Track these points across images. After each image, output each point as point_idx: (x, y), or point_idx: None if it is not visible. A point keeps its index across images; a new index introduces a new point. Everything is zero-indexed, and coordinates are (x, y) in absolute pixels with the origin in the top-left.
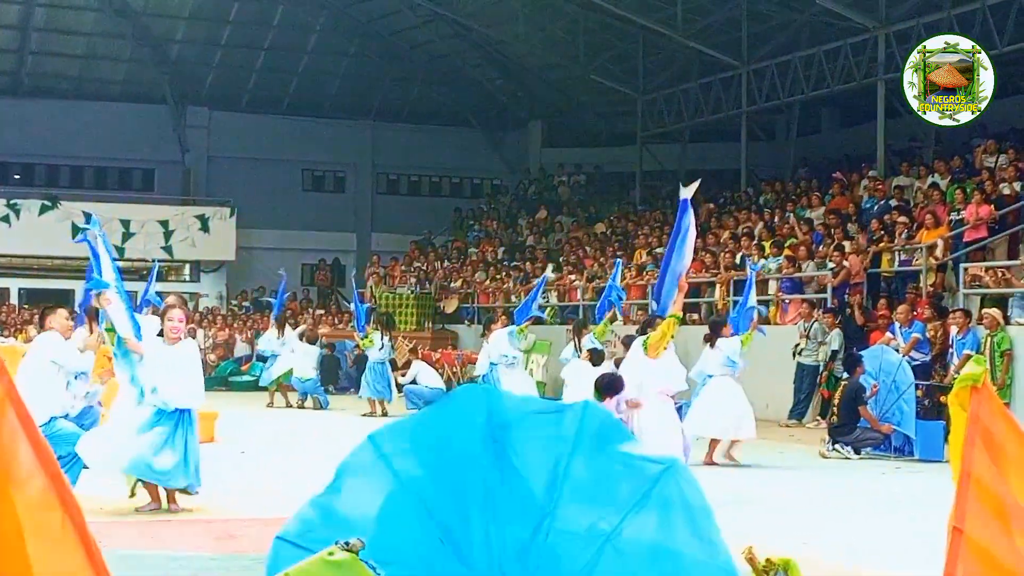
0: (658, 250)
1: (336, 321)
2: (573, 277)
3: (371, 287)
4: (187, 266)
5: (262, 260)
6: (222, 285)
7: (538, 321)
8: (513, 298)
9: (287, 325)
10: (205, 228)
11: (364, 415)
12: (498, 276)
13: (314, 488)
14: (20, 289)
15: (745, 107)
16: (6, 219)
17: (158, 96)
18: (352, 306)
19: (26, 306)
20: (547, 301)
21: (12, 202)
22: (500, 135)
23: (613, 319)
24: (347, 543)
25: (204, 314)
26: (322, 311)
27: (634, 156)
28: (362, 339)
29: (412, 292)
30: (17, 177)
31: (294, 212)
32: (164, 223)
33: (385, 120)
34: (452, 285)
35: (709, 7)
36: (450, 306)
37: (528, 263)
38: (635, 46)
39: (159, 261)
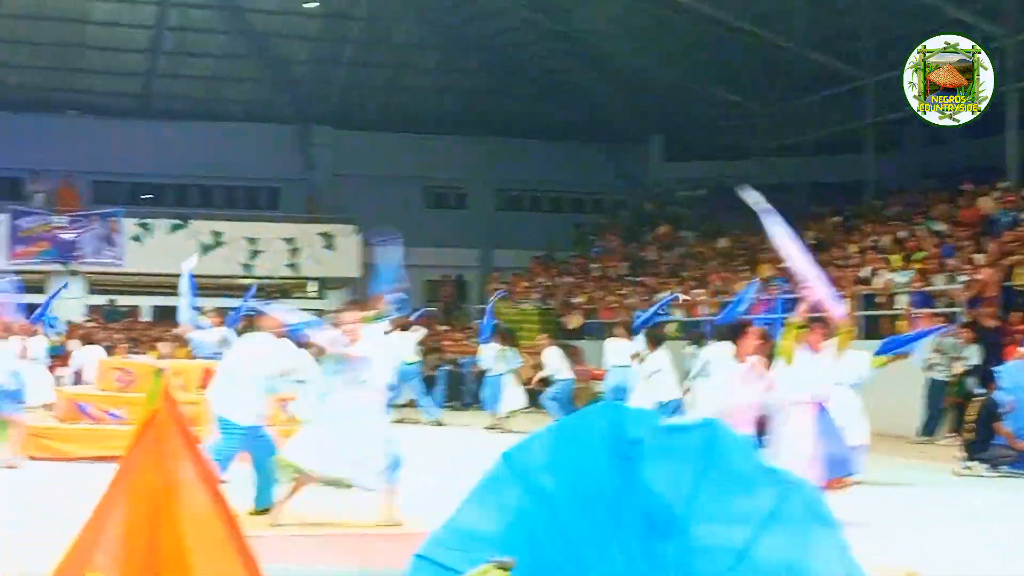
0: (783, 265)
1: (460, 337)
2: (697, 292)
3: (494, 303)
4: (313, 283)
5: None
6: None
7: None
8: (635, 313)
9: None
10: (330, 246)
11: (488, 427)
12: (620, 291)
13: (444, 503)
14: (151, 307)
15: (870, 118)
16: (137, 238)
17: (283, 116)
18: (482, 320)
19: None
20: (670, 316)
21: (143, 221)
22: (620, 150)
23: None
24: (500, 562)
25: None
26: (446, 327)
27: (755, 169)
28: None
29: (535, 308)
30: (148, 197)
31: (417, 229)
32: (290, 241)
33: (506, 136)
34: (575, 300)
35: (831, 18)
36: (573, 321)
37: (651, 278)
38: (756, 58)
39: (286, 279)
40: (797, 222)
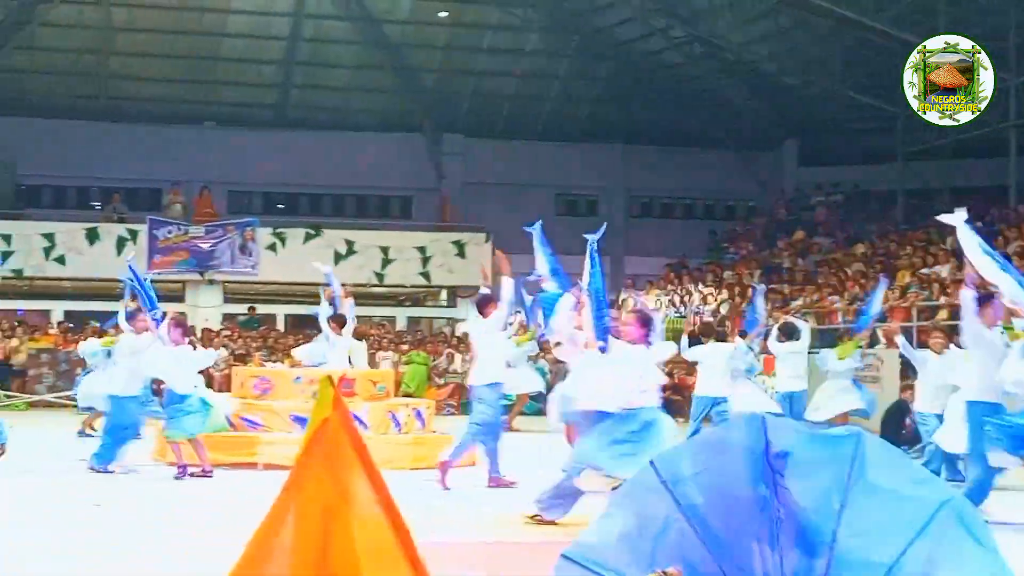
0: (923, 271)
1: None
2: (833, 299)
3: (625, 311)
4: (444, 292)
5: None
6: None
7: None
8: (769, 320)
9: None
10: (461, 254)
11: None
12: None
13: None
14: (286, 315)
15: (1013, 120)
16: (272, 248)
17: (415, 125)
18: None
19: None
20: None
21: (278, 231)
22: (754, 155)
23: (860, 341)
24: (664, 572)
25: (461, 339)
26: None
27: (894, 174)
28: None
29: (667, 316)
30: (281, 207)
31: (548, 236)
32: (422, 249)
33: (637, 143)
34: (708, 308)
35: (974, 18)
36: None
37: (786, 285)
38: (894, 60)
39: (417, 287)
40: (938, 227)
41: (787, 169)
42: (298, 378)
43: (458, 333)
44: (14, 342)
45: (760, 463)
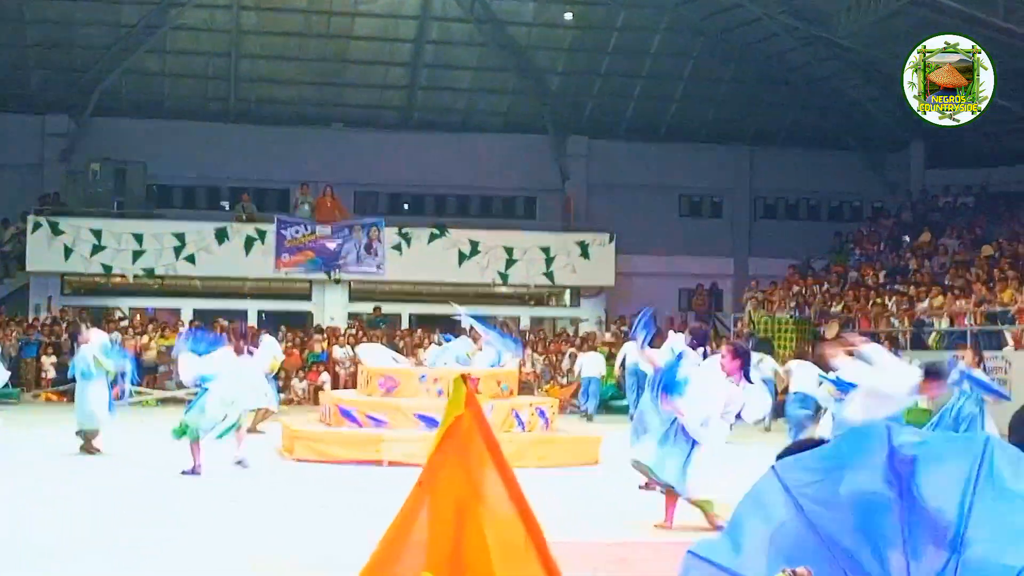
0: None
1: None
2: (961, 302)
3: (749, 312)
4: (567, 292)
5: (640, 285)
6: (601, 310)
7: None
8: (895, 322)
9: None
10: (585, 255)
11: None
12: (879, 300)
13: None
14: (411, 315)
15: None
16: (398, 248)
17: (539, 126)
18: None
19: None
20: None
21: (403, 231)
22: (881, 157)
23: None
24: (794, 571)
25: (584, 339)
26: None
27: (1023, 175)
28: None
29: (791, 317)
30: (407, 207)
31: (671, 238)
32: (546, 250)
33: (762, 144)
34: (832, 310)
35: None
36: (831, 331)
37: (912, 287)
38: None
39: (541, 287)
40: None
41: (914, 170)
42: (423, 376)
43: (580, 333)
44: (145, 339)
45: (886, 469)
